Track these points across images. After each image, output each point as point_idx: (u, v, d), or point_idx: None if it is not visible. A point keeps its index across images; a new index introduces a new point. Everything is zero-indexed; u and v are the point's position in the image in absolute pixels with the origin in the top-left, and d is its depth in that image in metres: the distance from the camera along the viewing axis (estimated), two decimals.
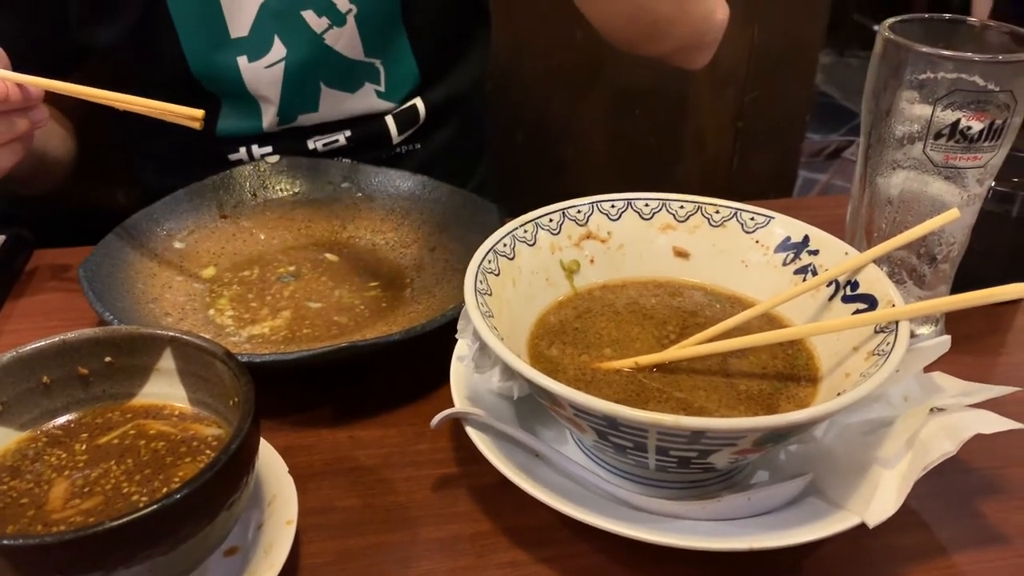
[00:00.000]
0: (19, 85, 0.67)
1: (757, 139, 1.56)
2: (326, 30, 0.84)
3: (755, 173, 1.60)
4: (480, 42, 0.99)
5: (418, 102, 0.93)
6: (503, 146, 1.33)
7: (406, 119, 0.93)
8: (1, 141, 0.68)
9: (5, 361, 0.49)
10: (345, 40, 0.85)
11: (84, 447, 0.50)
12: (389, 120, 0.91)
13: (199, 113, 0.68)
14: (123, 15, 0.81)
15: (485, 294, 0.54)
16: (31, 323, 0.71)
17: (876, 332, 0.50)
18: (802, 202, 1.32)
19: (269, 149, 0.89)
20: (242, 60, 0.83)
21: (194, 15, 0.81)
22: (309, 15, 0.83)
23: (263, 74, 0.84)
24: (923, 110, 0.61)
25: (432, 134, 0.95)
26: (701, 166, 1.59)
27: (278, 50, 0.84)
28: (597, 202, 0.62)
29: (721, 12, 0.88)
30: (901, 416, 0.50)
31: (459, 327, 0.57)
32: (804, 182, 2.53)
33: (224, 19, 0.81)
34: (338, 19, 0.84)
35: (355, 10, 0.84)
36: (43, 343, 0.50)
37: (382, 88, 0.90)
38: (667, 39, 0.88)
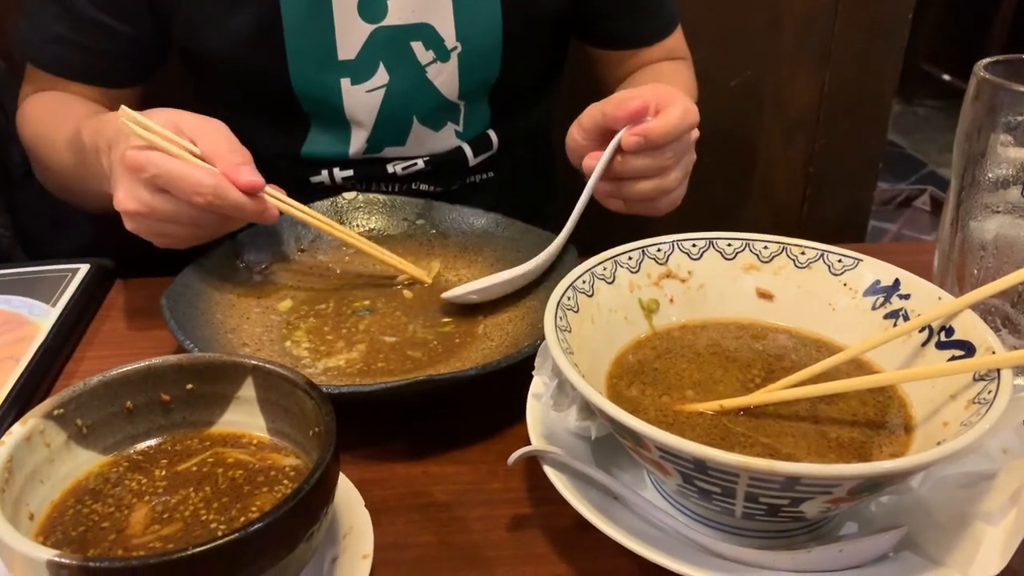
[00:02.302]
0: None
1: (828, 186, 1.54)
2: (430, 63, 0.86)
3: (826, 220, 1.57)
4: (553, 83, 1.01)
5: (490, 132, 0.95)
6: (572, 190, 1.33)
7: (480, 144, 0.95)
8: (211, 235, 0.72)
9: (93, 385, 0.49)
10: (445, 76, 0.87)
11: (163, 473, 0.50)
12: (465, 145, 0.93)
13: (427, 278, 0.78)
14: (235, 25, 0.83)
15: (565, 331, 0.53)
16: (111, 350, 0.72)
17: (975, 380, 0.48)
18: (882, 247, 1.30)
19: (350, 173, 0.90)
20: (345, 82, 0.85)
21: (306, 33, 0.83)
22: (417, 46, 0.85)
23: (363, 98, 0.86)
24: (1019, 153, 0.59)
25: (504, 162, 0.97)
26: (770, 213, 1.56)
27: (381, 76, 0.86)
28: (678, 241, 0.62)
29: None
30: (1003, 469, 0.48)
31: (537, 363, 0.56)
32: (873, 231, 2.48)
33: (335, 41, 0.83)
34: (443, 55, 0.86)
35: (460, 48, 0.86)
36: (128, 368, 0.51)
37: (460, 128, 0.92)
38: None
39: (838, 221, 1.59)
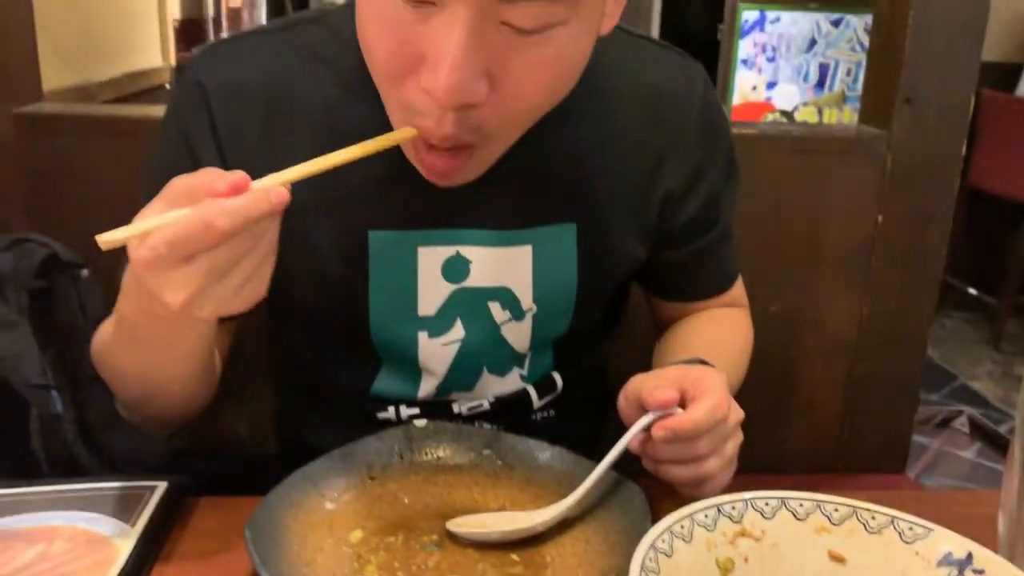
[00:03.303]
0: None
1: (868, 412, 1.56)
2: (505, 322, 0.90)
3: (867, 443, 1.58)
4: (615, 326, 1.05)
5: (554, 374, 0.98)
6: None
7: (545, 386, 0.98)
8: (262, 257, 0.63)
9: None
10: (518, 334, 0.91)
11: None
12: (530, 388, 0.96)
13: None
14: (322, 278, 0.87)
15: None
16: (188, 575, 0.73)
17: None
18: (938, 497, 1.30)
19: (417, 411, 0.93)
20: (422, 335, 0.89)
21: (390, 291, 0.87)
22: (495, 306, 0.89)
23: (439, 350, 0.90)
24: None
25: (567, 403, 1.00)
26: (809, 433, 1.58)
27: (457, 331, 0.89)
28: (751, 499, 0.64)
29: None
30: None
31: None
32: (914, 447, 2.48)
33: (416, 299, 0.87)
34: (519, 315, 0.90)
35: (535, 310, 0.90)
36: None
37: (525, 372, 0.96)
38: None
39: (879, 445, 1.59)
